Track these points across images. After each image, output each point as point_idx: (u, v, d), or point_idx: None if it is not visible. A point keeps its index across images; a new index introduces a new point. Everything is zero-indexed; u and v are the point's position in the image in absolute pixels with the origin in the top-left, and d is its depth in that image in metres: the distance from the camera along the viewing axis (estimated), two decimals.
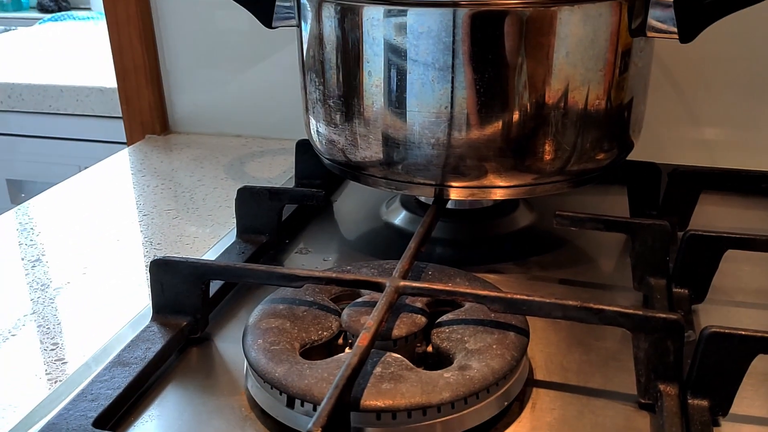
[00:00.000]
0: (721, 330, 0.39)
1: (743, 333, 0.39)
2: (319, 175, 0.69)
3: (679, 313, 0.48)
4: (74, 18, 1.81)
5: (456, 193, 0.55)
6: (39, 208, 0.75)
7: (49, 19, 1.82)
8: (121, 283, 0.59)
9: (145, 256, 0.64)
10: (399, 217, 0.66)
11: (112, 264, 0.62)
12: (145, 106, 0.95)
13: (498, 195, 0.56)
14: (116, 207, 0.74)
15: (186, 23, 0.91)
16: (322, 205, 0.60)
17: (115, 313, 0.55)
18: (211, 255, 0.61)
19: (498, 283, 0.56)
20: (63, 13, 1.85)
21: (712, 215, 0.66)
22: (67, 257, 0.64)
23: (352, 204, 0.71)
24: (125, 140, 0.99)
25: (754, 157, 0.78)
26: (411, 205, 0.67)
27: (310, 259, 0.61)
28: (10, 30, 2.00)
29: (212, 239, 0.66)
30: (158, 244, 0.66)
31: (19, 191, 1.30)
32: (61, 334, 0.52)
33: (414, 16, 0.51)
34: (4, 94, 1.22)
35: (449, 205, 0.64)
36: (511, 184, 0.55)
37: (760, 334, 0.39)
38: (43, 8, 1.93)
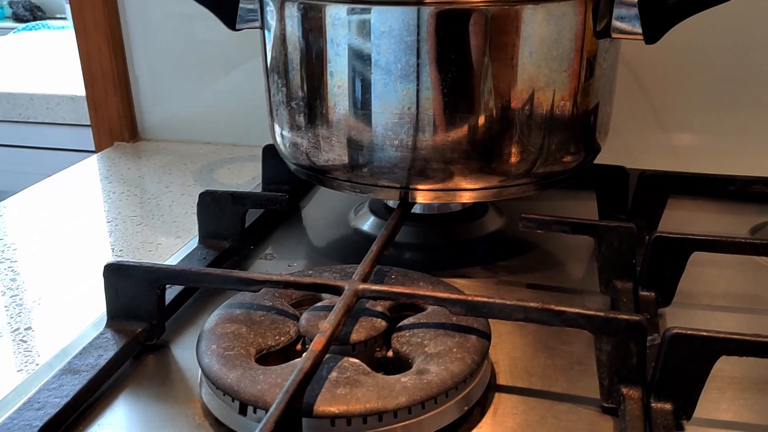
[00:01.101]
0: (684, 331, 0.39)
1: (706, 334, 0.38)
2: (287, 181, 0.68)
3: (643, 315, 0.48)
4: (49, 27, 1.80)
5: (422, 196, 0.54)
6: (2, 214, 0.73)
7: (24, 29, 1.80)
8: (79, 291, 0.57)
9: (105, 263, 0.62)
10: (367, 223, 0.65)
11: (71, 271, 0.61)
12: (113, 114, 0.93)
13: (464, 198, 0.55)
14: (80, 214, 0.73)
15: (155, 30, 0.90)
16: (286, 210, 0.59)
17: (73, 320, 0.53)
18: (172, 261, 0.59)
19: (465, 288, 0.55)
20: (38, 22, 1.83)
21: (681, 219, 0.66)
22: (26, 265, 0.62)
23: (320, 209, 0.70)
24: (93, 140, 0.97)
25: (722, 162, 0.78)
26: (380, 210, 0.66)
27: (274, 265, 0.60)
28: None
29: (176, 246, 0.65)
30: (120, 251, 0.65)
31: None
32: (17, 343, 0.51)
33: (377, 15, 0.50)
34: None
35: (418, 210, 0.64)
36: (477, 186, 0.54)
37: (722, 335, 0.38)
38: (18, 18, 1.91)
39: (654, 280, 0.51)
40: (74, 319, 0.53)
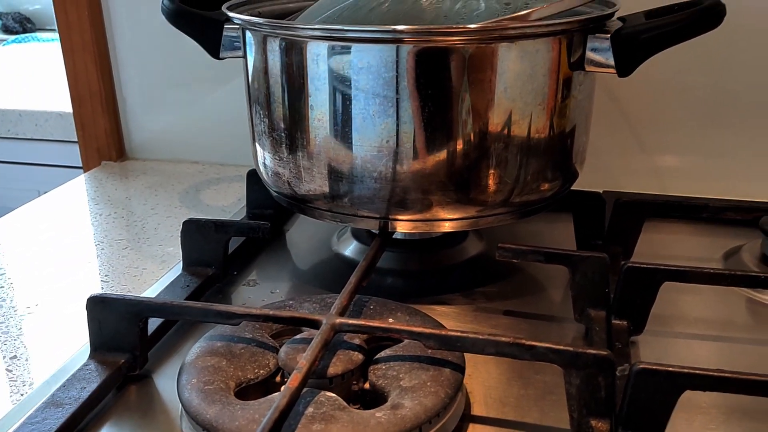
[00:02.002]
0: (650, 366, 0.40)
1: (671, 369, 0.40)
2: (271, 205, 0.69)
3: (613, 348, 0.49)
4: (38, 40, 1.80)
5: (401, 226, 0.56)
6: None
7: (14, 41, 1.81)
8: (66, 318, 0.58)
9: (92, 288, 0.63)
10: (349, 248, 0.66)
11: (58, 297, 0.61)
12: (101, 133, 0.94)
13: (442, 228, 0.56)
14: (68, 237, 0.74)
15: (142, 50, 0.91)
16: (268, 237, 0.60)
17: (58, 349, 0.54)
18: (157, 287, 0.60)
19: (444, 315, 0.56)
20: (27, 35, 1.84)
21: (657, 242, 0.67)
22: (13, 290, 0.63)
23: (304, 234, 0.71)
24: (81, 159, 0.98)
25: (703, 184, 0.80)
26: (362, 236, 0.67)
27: (257, 291, 0.61)
28: None
29: (161, 271, 0.66)
30: (106, 275, 0.65)
31: None
32: (2, 372, 0.52)
33: (357, 52, 0.51)
34: None
35: (399, 235, 0.65)
36: (456, 216, 0.55)
37: (686, 371, 0.40)
38: (7, 29, 1.91)
39: (626, 309, 0.52)
40: (60, 346, 0.54)
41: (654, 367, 0.40)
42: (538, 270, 0.63)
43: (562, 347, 0.41)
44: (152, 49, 0.90)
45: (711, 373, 0.39)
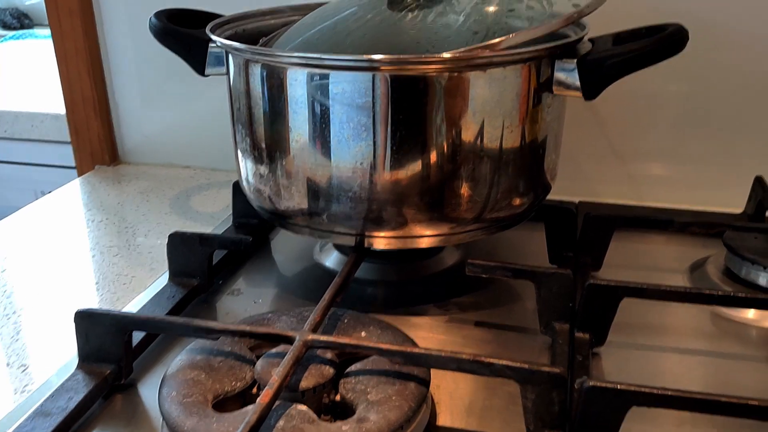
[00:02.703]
0: (599, 384, 0.42)
1: (619, 387, 0.42)
2: (256, 215, 0.71)
3: (574, 360, 0.52)
4: (36, 36, 1.82)
5: (376, 242, 0.58)
6: None
7: (11, 37, 1.82)
8: (57, 326, 0.61)
9: (84, 296, 0.66)
10: (330, 258, 0.69)
11: (50, 305, 0.64)
12: (94, 137, 0.97)
13: (416, 244, 0.58)
14: (62, 244, 0.76)
15: (134, 56, 0.93)
16: (251, 250, 0.63)
17: (51, 357, 0.57)
18: (144, 296, 0.63)
19: (417, 326, 0.59)
20: (25, 31, 1.85)
21: (627, 252, 0.70)
22: (6, 297, 0.65)
23: (287, 243, 0.74)
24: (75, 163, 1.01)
25: (678, 191, 0.82)
26: (343, 247, 0.69)
27: (241, 301, 0.64)
28: None
29: (149, 278, 0.68)
30: (96, 283, 0.68)
31: None
32: None
33: (335, 78, 0.53)
34: None
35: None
36: (429, 233, 0.58)
37: (633, 388, 0.42)
38: (5, 25, 1.93)
39: (588, 322, 0.54)
40: (53, 355, 0.57)
41: (602, 385, 0.42)
42: (509, 282, 0.65)
43: (518, 365, 0.44)
44: (144, 56, 0.93)
45: (655, 391, 0.42)
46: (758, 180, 0.73)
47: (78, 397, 0.48)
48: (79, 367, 0.51)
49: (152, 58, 0.92)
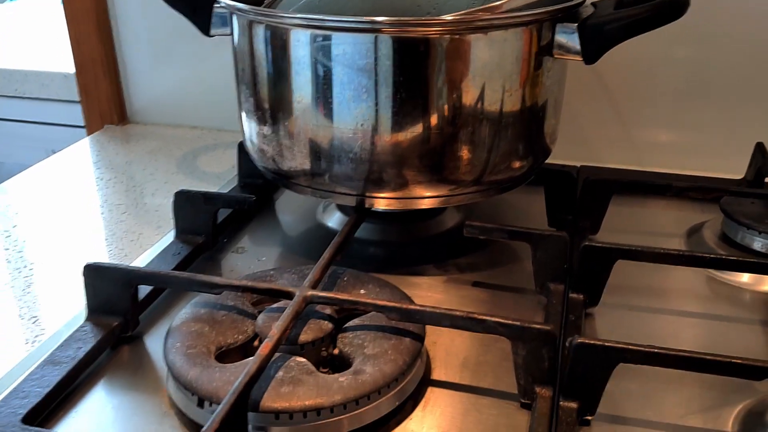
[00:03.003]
0: (587, 341, 0.44)
1: (606, 344, 0.44)
2: (261, 176, 0.72)
3: (567, 320, 0.53)
4: None
5: (377, 202, 0.59)
6: None
7: None
8: (67, 279, 0.63)
9: (93, 252, 0.68)
10: (333, 219, 0.70)
11: (60, 260, 0.66)
12: (103, 97, 0.98)
13: (416, 205, 0.60)
14: (72, 202, 0.78)
15: (142, 16, 0.94)
16: (254, 209, 0.64)
17: (61, 310, 0.59)
18: (151, 253, 0.64)
19: (416, 286, 0.61)
20: None
21: (626, 218, 0.71)
22: (18, 253, 0.67)
23: (291, 203, 0.75)
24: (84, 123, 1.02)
25: (680, 158, 0.83)
26: (345, 207, 0.70)
27: (245, 258, 0.65)
28: None
29: (156, 236, 0.70)
30: (105, 239, 0.70)
31: None
32: (4, 332, 0.56)
33: (337, 40, 0.54)
34: None
35: (379, 208, 0.68)
36: (429, 195, 0.59)
37: (620, 345, 0.44)
38: None
39: (583, 283, 0.56)
40: (62, 308, 0.59)
41: (591, 342, 0.44)
42: (507, 243, 0.66)
43: (509, 321, 0.45)
44: (152, 17, 0.93)
45: (641, 349, 0.43)
46: (759, 146, 0.73)
47: (86, 348, 0.50)
48: (88, 319, 0.53)
49: (160, 19, 0.93)
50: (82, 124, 1.04)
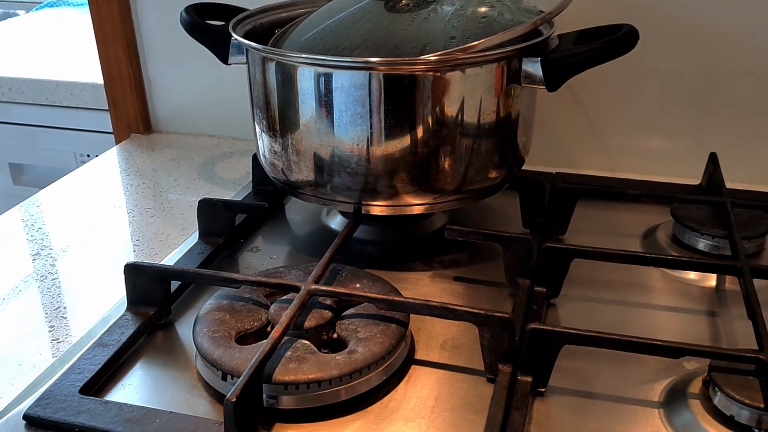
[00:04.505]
0: (539, 327, 0.54)
1: (554, 329, 0.54)
2: (272, 183, 0.83)
3: (530, 309, 0.63)
4: (69, 4, 1.93)
5: (372, 209, 0.69)
6: (38, 205, 0.89)
7: (46, 5, 1.93)
8: (106, 275, 0.73)
9: (127, 251, 0.78)
10: (335, 221, 0.80)
11: (100, 257, 0.76)
12: (130, 110, 1.08)
13: (405, 211, 0.69)
14: (105, 206, 0.88)
15: (165, 38, 1.04)
16: (267, 214, 0.74)
17: (102, 300, 0.69)
18: (178, 252, 0.75)
19: (405, 280, 0.71)
20: None
21: (591, 218, 0.80)
22: (61, 252, 0.78)
23: (299, 208, 0.85)
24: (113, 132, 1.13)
25: (648, 164, 0.92)
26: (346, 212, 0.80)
27: (258, 256, 0.75)
28: (9, 13, 2.12)
29: (181, 237, 0.80)
30: (137, 240, 0.80)
31: (20, 173, 1.44)
32: (57, 319, 0.67)
33: (336, 74, 0.64)
34: (6, 87, 1.36)
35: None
36: (417, 202, 0.69)
37: (565, 330, 0.54)
38: None
39: (544, 278, 0.65)
40: (103, 299, 0.69)
41: (541, 327, 0.54)
42: (486, 243, 0.76)
43: (476, 310, 0.55)
44: (174, 38, 1.03)
45: (582, 332, 0.53)
46: (712, 156, 0.83)
47: (128, 333, 0.61)
48: (128, 309, 0.63)
49: (181, 40, 1.02)
50: (108, 130, 1.15)
